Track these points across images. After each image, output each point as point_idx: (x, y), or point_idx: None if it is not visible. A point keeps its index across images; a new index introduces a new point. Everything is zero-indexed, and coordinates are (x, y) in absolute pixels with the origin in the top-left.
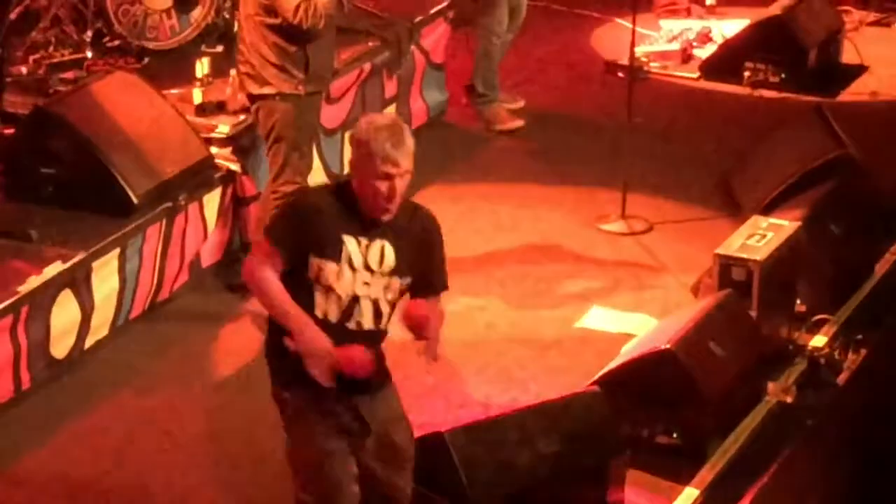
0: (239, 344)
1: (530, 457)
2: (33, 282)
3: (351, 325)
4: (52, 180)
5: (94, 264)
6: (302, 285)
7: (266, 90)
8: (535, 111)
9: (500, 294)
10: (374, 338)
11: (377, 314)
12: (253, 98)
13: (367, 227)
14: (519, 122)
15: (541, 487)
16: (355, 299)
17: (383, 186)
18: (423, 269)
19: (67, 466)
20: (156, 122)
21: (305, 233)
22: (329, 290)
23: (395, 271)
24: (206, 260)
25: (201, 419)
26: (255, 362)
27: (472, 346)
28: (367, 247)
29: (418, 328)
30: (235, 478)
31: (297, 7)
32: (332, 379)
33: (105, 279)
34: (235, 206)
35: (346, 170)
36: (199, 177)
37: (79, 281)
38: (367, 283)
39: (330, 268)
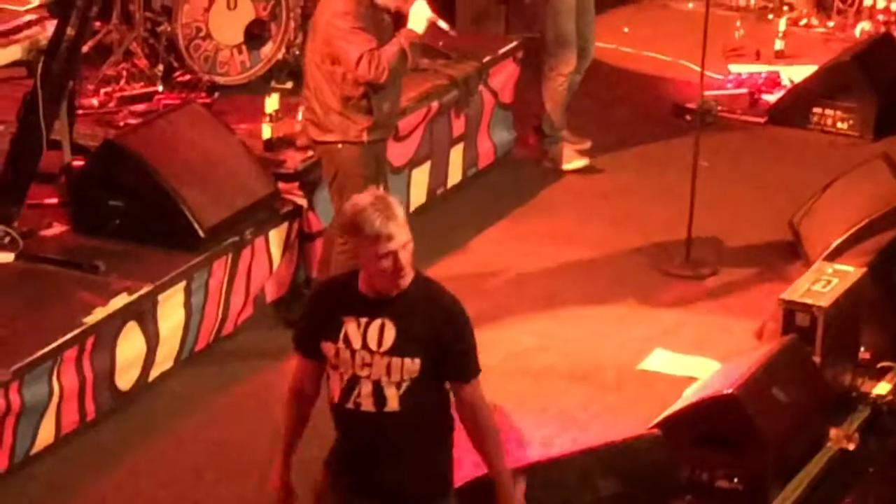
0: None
1: (590, 499)
2: (99, 313)
3: (349, 404)
4: (120, 213)
5: (160, 297)
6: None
7: (329, 137)
8: (602, 152)
9: (562, 334)
10: (379, 422)
11: (379, 396)
12: (316, 143)
13: (371, 306)
14: (585, 162)
15: None
16: (355, 379)
17: (387, 265)
18: (446, 355)
19: (130, 498)
20: (224, 157)
21: (313, 322)
22: (334, 369)
23: (394, 350)
24: (271, 295)
25: (263, 454)
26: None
27: (533, 386)
28: (367, 326)
29: None
30: None
31: (360, 58)
32: None
33: (171, 312)
34: (301, 242)
35: (413, 207)
36: (266, 211)
37: (145, 313)
38: (367, 364)
39: (328, 348)
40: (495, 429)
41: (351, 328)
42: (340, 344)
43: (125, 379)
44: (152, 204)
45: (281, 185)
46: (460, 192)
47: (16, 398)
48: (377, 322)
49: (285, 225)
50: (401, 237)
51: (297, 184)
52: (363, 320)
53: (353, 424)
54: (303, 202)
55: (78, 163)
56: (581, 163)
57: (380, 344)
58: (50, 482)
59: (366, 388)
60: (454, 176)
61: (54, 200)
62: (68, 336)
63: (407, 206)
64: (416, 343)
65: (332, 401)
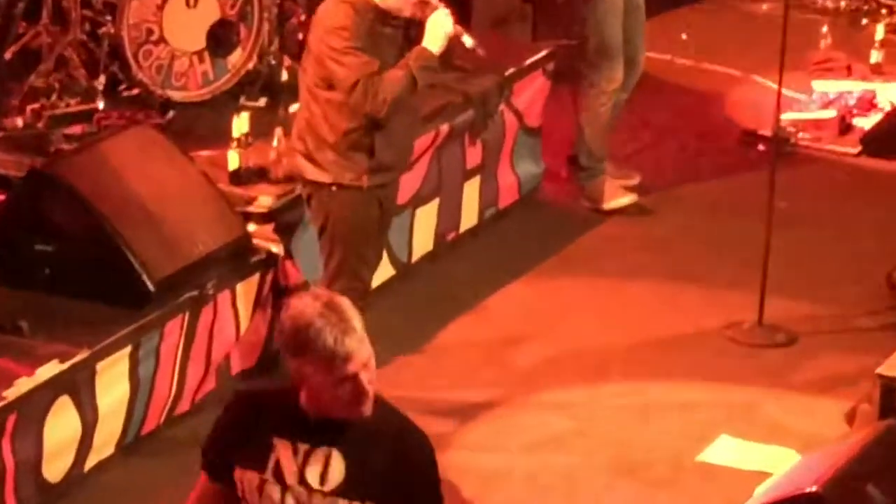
0: None
1: None
2: (23, 385)
3: None
4: (50, 260)
5: (99, 366)
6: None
7: (320, 177)
8: (653, 190)
9: (604, 416)
10: None
11: None
12: (305, 181)
13: (313, 430)
14: (631, 199)
15: None
16: None
17: (346, 391)
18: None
19: None
20: (180, 192)
21: (230, 437)
22: None
23: (342, 491)
24: (238, 365)
25: None
26: None
27: (568, 480)
28: (307, 456)
29: None
30: None
31: (355, 85)
32: None
33: (112, 384)
34: (275, 298)
35: (417, 256)
36: (233, 260)
37: (80, 385)
38: None
39: (248, 479)
40: None
41: (284, 456)
42: (268, 475)
43: (55, 468)
44: (90, 250)
45: (251, 227)
46: (475, 238)
47: None
48: (321, 452)
49: (256, 277)
50: (361, 354)
51: (271, 226)
52: (302, 447)
53: None
54: (278, 249)
55: None
56: (627, 200)
57: (323, 481)
58: None
59: None
60: (468, 218)
61: None
62: None
63: (409, 255)
64: (372, 484)
65: None
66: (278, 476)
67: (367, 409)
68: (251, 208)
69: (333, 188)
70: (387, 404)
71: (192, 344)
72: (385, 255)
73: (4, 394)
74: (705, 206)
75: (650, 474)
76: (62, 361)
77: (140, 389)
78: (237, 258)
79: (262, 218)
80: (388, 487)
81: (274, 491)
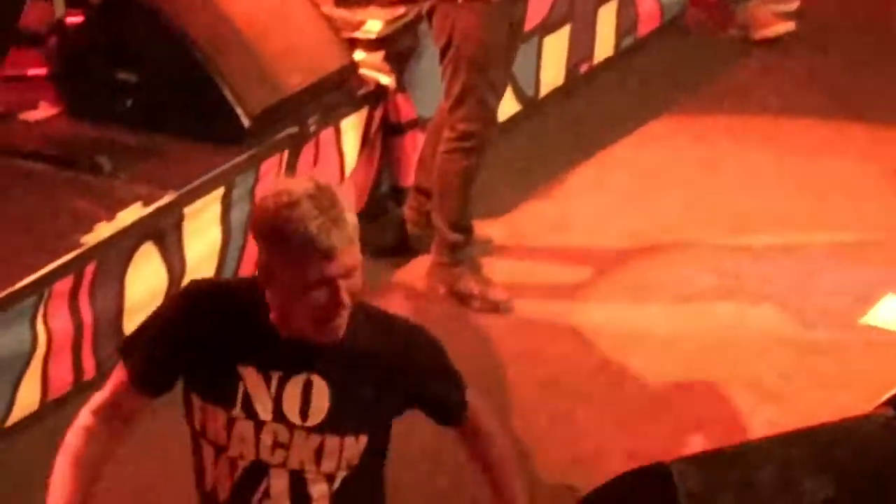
0: None
1: None
2: (102, 230)
3: None
4: (133, 90)
5: (188, 209)
6: (192, 436)
7: None
8: (815, 14)
9: (756, 272)
10: None
11: (300, 496)
12: None
13: (286, 352)
14: (788, 27)
15: None
16: (259, 468)
17: (318, 299)
18: (426, 406)
19: (133, 478)
20: (279, 15)
21: (179, 351)
22: (219, 450)
23: (328, 425)
24: None
25: None
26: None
27: (715, 346)
28: (282, 384)
29: None
30: None
31: None
32: None
33: (202, 231)
34: (385, 136)
35: (545, 90)
36: (337, 93)
37: (165, 232)
38: (280, 445)
39: (216, 416)
40: (512, 460)
41: (255, 386)
42: (237, 410)
43: (137, 323)
44: (178, 79)
45: (358, 55)
46: (610, 71)
47: None
48: (299, 379)
49: (364, 112)
50: (346, 257)
51: (381, 54)
52: (275, 375)
53: None
54: (389, 81)
55: (74, 19)
56: (783, 28)
57: (304, 415)
58: (32, 463)
59: (278, 482)
60: (603, 47)
61: (40, 71)
62: (59, 262)
63: (536, 89)
64: (362, 411)
65: (210, 496)
66: (249, 411)
67: (338, 329)
68: (358, 34)
69: (458, 1)
70: (367, 308)
71: None
72: (509, 88)
73: (82, 240)
74: (878, 33)
75: (808, 338)
76: (146, 204)
77: (233, 237)
78: (342, 91)
79: (371, 45)
80: (382, 407)
81: (246, 429)
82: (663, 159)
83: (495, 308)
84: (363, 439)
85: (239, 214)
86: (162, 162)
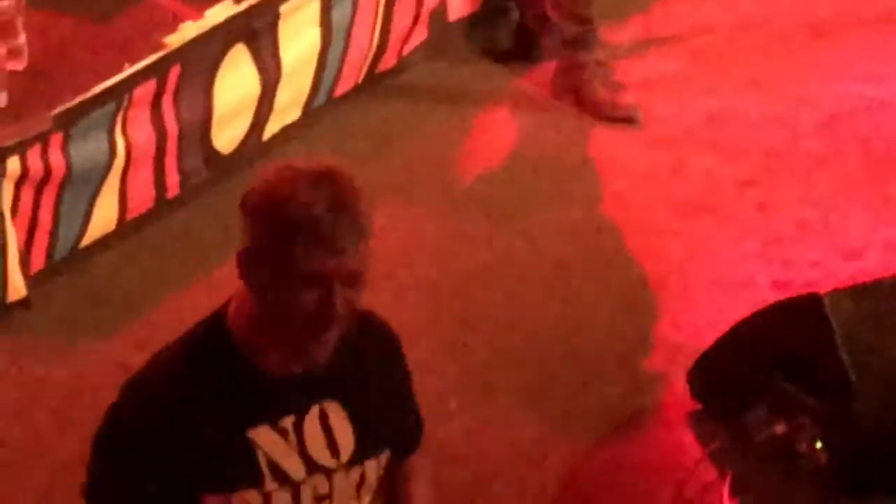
0: (501, 141)
1: None
2: (189, 30)
3: None
4: None
5: (283, 8)
6: None
7: None
8: None
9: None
10: None
11: None
12: None
13: (288, 391)
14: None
15: None
16: None
17: (309, 300)
18: (401, 423)
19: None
20: None
21: (166, 469)
22: None
23: (361, 451)
24: (456, 10)
25: (431, 263)
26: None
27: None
28: (298, 428)
29: None
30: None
31: None
32: None
33: (299, 31)
34: None
35: None
36: None
37: (259, 33)
38: (322, 498)
39: (246, 501)
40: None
41: (273, 446)
42: (270, 482)
43: (227, 135)
44: None
45: None
46: None
47: (59, 161)
48: (313, 414)
49: None
50: (351, 260)
51: None
52: (288, 422)
53: None
54: None
55: None
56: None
57: (335, 452)
58: (107, 287)
59: None
60: None
61: None
62: (139, 66)
63: None
64: (379, 425)
65: None
66: (281, 477)
67: (323, 350)
68: None
69: None
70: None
71: None
72: None
73: (166, 40)
74: None
75: None
76: (237, 1)
77: (333, 39)
78: None
79: None
80: (388, 416)
81: (284, 499)
82: None
83: (627, 117)
84: (385, 451)
85: (340, 16)
86: None
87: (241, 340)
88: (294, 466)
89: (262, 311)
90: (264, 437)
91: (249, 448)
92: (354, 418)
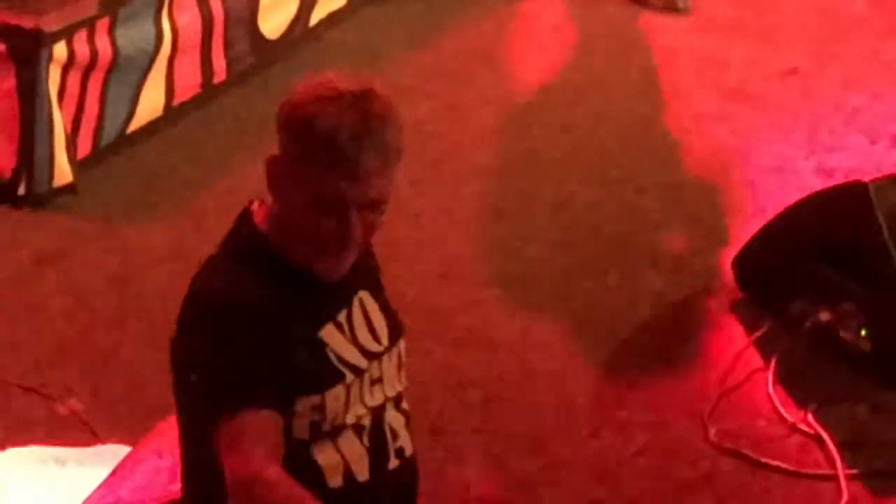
0: (548, 28)
1: None
2: None
3: (391, 464)
4: None
5: None
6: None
7: None
8: None
9: None
10: (414, 463)
11: (405, 414)
12: None
13: (334, 286)
14: None
15: None
16: (376, 418)
17: (328, 224)
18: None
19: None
20: None
21: (273, 363)
22: (336, 432)
23: (394, 332)
24: None
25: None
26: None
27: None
28: (349, 322)
29: None
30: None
31: None
32: None
33: None
34: None
35: None
36: None
37: None
38: (376, 381)
39: (337, 398)
40: None
41: (339, 343)
42: (350, 377)
43: (274, 21)
44: None
45: None
46: None
47: (105, 46)
48: (356, 306)
49: None
50: (374, 185)
51: None
52: (342, 315)
53: (397, 488)
54: None
55: None
56: None
57: (377, 338)
58: (154, 172)
59: (391, 416)
60: None
61: None
62: None
63: None
64: (390, 305)
65: (347, 487)
66: (353, 369)
67: (341, 267)
68: None
69: None
70: None
71: None
72: None
73: None
74: None
75: None
76: None
77: None
78: None
79: None
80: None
81: (358, 389)
82: None
83: (674, 6)
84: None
85: None
86: None
87: (279, 249)
88: (356, 357)
89: (284, 218)
90: (330, 335)
91: (323, 348)
92: (379, 302)
